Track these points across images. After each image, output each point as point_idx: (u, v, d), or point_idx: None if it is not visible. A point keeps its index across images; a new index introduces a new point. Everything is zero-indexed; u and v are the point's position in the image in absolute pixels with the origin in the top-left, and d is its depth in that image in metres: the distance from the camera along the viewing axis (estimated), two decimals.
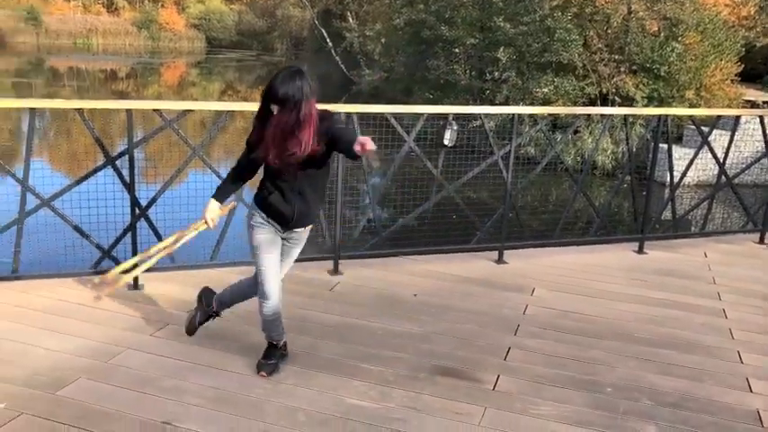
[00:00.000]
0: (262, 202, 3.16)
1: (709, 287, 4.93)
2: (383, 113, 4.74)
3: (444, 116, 4.87)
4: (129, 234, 4.31)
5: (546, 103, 15.32)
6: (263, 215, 3.17)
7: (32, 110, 4.06)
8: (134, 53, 49.00)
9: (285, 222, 3.17)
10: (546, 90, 15.71)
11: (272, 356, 3.40)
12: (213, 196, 3.24)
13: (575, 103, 15.68)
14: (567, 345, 3.85)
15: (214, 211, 3.22)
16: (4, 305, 3.95)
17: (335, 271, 4.78)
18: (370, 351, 3.65)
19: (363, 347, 3.69)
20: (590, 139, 14.03)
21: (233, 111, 4.78)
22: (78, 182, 4.25)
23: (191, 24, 59.01)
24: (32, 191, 4.09)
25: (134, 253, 4.20)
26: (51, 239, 4.33)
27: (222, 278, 4.48)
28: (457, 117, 4.84)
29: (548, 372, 3.52)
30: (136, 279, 4.26)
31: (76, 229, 4.24)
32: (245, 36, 57.31)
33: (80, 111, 4.17)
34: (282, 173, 3.05)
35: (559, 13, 15.47)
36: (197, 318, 3.56)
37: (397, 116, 4.81)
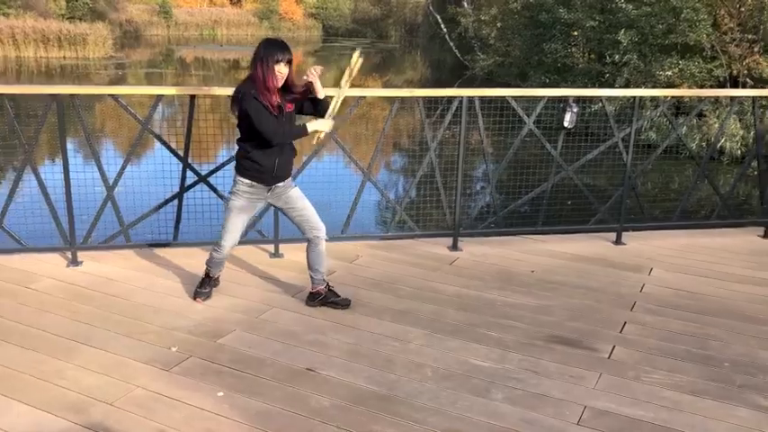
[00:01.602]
0: (243, 166, 3.68)
1: None
2: (503, 96, 4.96)
3: (564, 99, 4.99)
4: (270, 208, 4.78)
5: (669, 86, 14.79)
6: (247, 181, 3.71)
7: (192, 97, 4.58)
8: (256, 43, 50.67)
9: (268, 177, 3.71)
10: (670, 73, 15.15)
11: (207, 285, 4.07)
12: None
13: (701, 87, 15.03)
14: (683, 321, 3.95)
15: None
16: (169, 268, 4.54)
17: (455, 247, 5.07)
18: (489, 319, 3.92)
19: (483, 316, 3.97)
20: (716, 124, 13.46)
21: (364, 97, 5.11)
22: (230, 161, 4.76)
23: (308, 14, 60.77)
24: (192, 168, 4.65)
25: (276, 224, 4.68)
26: (205, 211, 4.88)
27: (352, 250, 4.91)
28: (576, 100, 4.94)
29: (663, 345, 3.65)
30: (277, 247, 4.76)
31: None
32: (359, 24, 58.33)
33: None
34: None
35: None
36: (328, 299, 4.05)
37: (517, 99, 5.01)
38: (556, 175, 5.18)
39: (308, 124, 3.69)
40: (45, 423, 2.82)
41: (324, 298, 4.00)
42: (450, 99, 4.89)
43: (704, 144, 13.31)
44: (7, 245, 4.62)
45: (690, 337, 3.76)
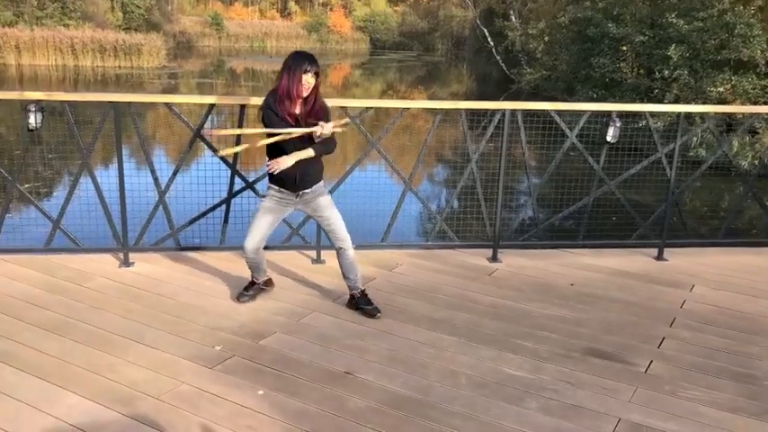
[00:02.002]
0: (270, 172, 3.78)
1: None
2: (546, 110, 4.99)
3: (607, 114, 5.01)
4: None
5: (721, 102, 14.52)
6: (276, 187, 3.87)
7: (242, 106, 4.74)
8: None
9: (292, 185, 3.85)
10: (721, 89, 14.89)
11: (250, 289, 4.23)
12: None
13: (755, 103, 14.72)
14: (723, 339, 3.91)
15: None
16: (215, 271, 4.70)
17: (494, 258, 5.11)
18: (526, 330, 3.96)
19: (519, 326, 4.00)
20: None
21: (407, 108, 5.22)
22: None
23: (356, 27, 61.48)
24: (240, 174, 4.81)
25: (318, 231, 4.80)
26: (251, 217, 5.03)
27: (392, 258, 5.00)
28: (620, 115, 4.96)
29: (701, 361, 3.63)
30: (319, 253, 4.88)
31: None
32: (406, 37, 58.73)
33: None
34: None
35: (741, 8, 14.59)
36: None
37: (560, 113, 5.05)
38: (598, 189, 5.18)
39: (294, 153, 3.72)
40: (95, 413, 2.97)
41: (355, 302, 4.10)
42: (492, 112, 4.95)
43: (756, 162, 13.03)
44: (64, 245, 4.84)
45: (730, 354, 3.73)
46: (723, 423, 3.06)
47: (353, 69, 45.24)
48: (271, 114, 3.69)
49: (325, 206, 3.99)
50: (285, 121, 3.69)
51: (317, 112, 3.78)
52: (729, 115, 9.60)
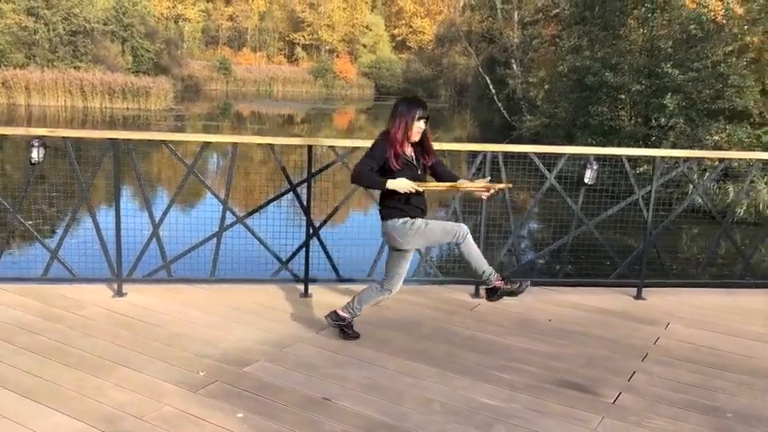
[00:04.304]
0: (406, 202, 3.96)
1: None
2: (526, 152, 5.21)
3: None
4: (302, 250, 5.09)
5: (717, 150, 14.77)
6: (416, 214, 4.01)
7: (234, 144, 4.98)
8: (309, 99, 52.73)
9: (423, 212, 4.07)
10: (717, 138, 15.14)
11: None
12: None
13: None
14: (693, 374, 4.03)
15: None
16: (205, 301, 4.86)
17: (477, 294, 5.25)
18: (503, 363, 4.08)
19: (496, 359, 4.13)
20: (765, 190, 13.33)
21: None
22: (266, 203, 5.12)
23: (362, 73, 62.59)
24: (231, 209, 5.01)
25: (306, 265, 4.97)
26: (241, 251, 5.22)
27: None
28: (610, 160, 5.23)
29: (669, 394, 3.74)
30: (306, 287, 5.04)
31: (261, 242, 5.09)
32: (411, 83, 59.69)
33: (271, 146, 5.06)
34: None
35: (734, 59, 14.97)
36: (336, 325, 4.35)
37: (542, 156, 5.26)
38: (577, 229, 5.35)
39: (389, 181, 3.89)
40: (78, 431, 3.10)
41: (344, 325, 4.31)
42: (475, 153, 5.16)
43: (752, 210, 13.19)
44: (61, 275, 5.02)
45: (697, 388, 3.84)
46: None
47: (358, 114, 45.95)
48: (379, 145, 3.91)
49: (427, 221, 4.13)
50: (405, 164, 3.92)
51: (428, 150, 4.06)
52: (728, 164, 9.80)
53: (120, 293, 4.91)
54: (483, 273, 4.07)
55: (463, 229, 4.02)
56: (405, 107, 3.93)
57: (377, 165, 3.91)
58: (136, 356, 3.91)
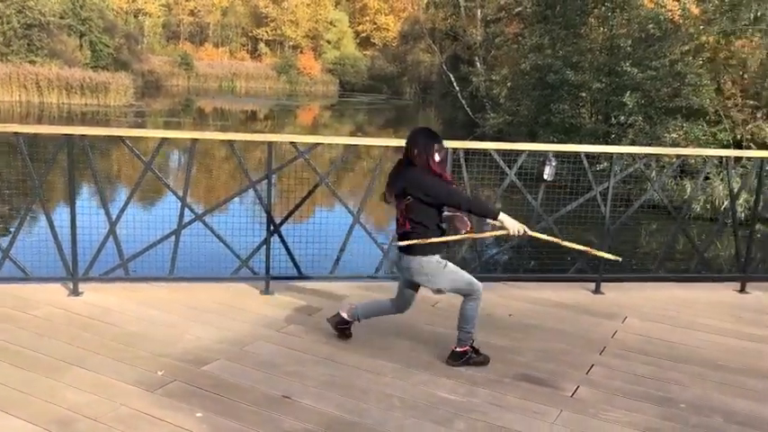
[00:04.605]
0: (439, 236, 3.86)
1: None
2: (487, 149, 5.25)
3: (543, 153, 5.29)
4: (263, 247, 5.05)
5: (674, 146, 15.09)
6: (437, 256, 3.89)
7: (194, 141, 4.91)
8: (273, 96, 52.34)
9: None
10: (675, 135, 15.47)
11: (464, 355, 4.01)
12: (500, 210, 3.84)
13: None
14: (648, 366, 4.11)
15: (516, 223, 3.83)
16: (163, 300, 4.78)
17: (438, 290, 5.27)
18: None
19: None
20: (721, 186, 13.66)
21: (357, 145, 5.43)
22: (226, 200, 5.07)
23: (326, 69, 62.41)
24: (189, 207, 4.94)
25: (267, 263, 4.93)
26: (201, 249, 5.15)
27: (340, 290, 5.14)
28: (569, 157, 5.32)
29: (625, 386, 3.82)
30: (268, 284, 5.00)
31: (221, 240, 5.03)
32: (375, 80, 59.78)
33: (231, 142, 5.00)
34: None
35: (690, 58, 15.31)
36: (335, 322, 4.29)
37: (501, 152, 5.30)
38: (537, 225, 5.40)
39: (503, 214, 3.79)
40: None
41: (343, 326, 4.28)
42: None
43: (708, 206, 13.51)
44: (13, 274, 4.89)
45: (653, 380, 3.92)
46: None
47: (323, 111, 45.77)
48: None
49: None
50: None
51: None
52: (684, 160, 10.02)
53: (75, 293, 4.81)
54: (466, 333, 3.95)
55: (481, 288, 3.96)
56: (422, 139, 3.82)
57: None
58: (92, 357, 3.83)
